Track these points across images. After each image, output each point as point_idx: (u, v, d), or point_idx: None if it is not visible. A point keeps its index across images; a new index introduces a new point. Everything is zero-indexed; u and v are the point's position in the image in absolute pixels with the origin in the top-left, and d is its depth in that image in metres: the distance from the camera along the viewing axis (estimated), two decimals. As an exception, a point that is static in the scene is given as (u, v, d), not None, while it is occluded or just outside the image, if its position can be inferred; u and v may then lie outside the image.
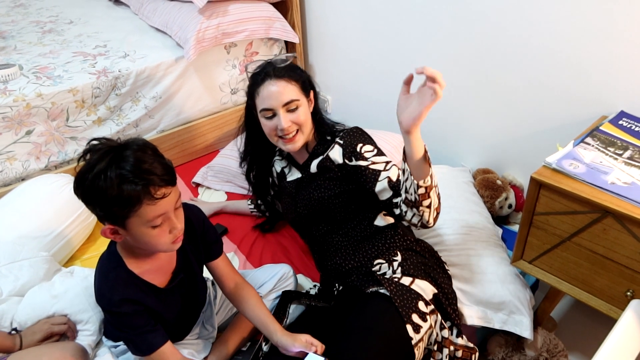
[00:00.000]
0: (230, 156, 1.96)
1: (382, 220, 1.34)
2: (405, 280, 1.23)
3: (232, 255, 1.65)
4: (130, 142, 0.99)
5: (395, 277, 1.24)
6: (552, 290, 1.40)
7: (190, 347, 1.30)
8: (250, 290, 1.26)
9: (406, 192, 1.13)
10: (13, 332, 1.25)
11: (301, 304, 1.36)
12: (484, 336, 1.48)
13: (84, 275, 1.39)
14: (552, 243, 1.24)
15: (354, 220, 1.33)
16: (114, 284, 1.07)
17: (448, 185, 1.65)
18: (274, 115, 1.30)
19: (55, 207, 1.61)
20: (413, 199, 1.11)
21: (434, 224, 1.17)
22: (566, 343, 1.43)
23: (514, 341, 1.42)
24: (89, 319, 1.27)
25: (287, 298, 1.35)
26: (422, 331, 1.15)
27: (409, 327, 1.13)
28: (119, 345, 1.25)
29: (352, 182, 1.30)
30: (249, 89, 1.35)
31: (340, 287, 1.35)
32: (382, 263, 1.29)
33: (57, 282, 1.37)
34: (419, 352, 1.13)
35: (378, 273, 1.27)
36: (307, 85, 1.35)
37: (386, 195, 1.21)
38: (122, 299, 1.06)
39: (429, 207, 1.12)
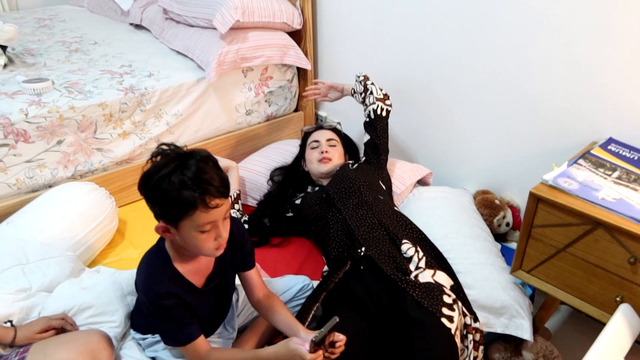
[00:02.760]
0: (246, 168, 2.08)
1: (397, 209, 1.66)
2: (428, 273, 1.38)
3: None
4: (194, 152, 1.08)
5: (420, 268, 1.39)
6: (548, 300, 1.50)
7: (212, 345, 1.38)
8: (277, 300, 1.34)
9: (362, 96, 1.90)
10: (7, 324, 1.28)
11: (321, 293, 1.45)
12: (485, 345, 1.57)
13: (110, 273, 1.48)
14: (548, 253, 1.36)
15: (376, 199, 1.61)
16: (161, 278, 1.16)
17: (450, 204, 1.77)
18: (318, 146, 1.88)
19: (80, 212, 1.70)
20: (363, 96, 1.89)
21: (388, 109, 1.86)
22: (560, 353, 1.52)
23: (512, 348, 1.52)
24: (115, 311, 1.36)
25: (310, 301, 1.43)
26: (456, 320, 1.27)
27: (444, 320, 1.25)
28: (146, 338, 1.33)
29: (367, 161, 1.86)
30: (304, 136, 2.01)
31: (367, 251, 1.44)
32: (409, 246, 1.45)
33: (85, 277, 1.46)
34: (458, 341, 1.26)
35: (405, 256, 1.43)
36: (346, 144, 1.99)
37: (368, 133, 1.88)
38: (167, 293, 1.14)
39: (376, 98, 1.86)
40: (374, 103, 1.85)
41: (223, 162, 1.91)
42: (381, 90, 1.88)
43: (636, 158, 1.45)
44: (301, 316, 1.39)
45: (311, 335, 1.11)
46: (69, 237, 1.63)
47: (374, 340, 1.30)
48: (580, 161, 1.43)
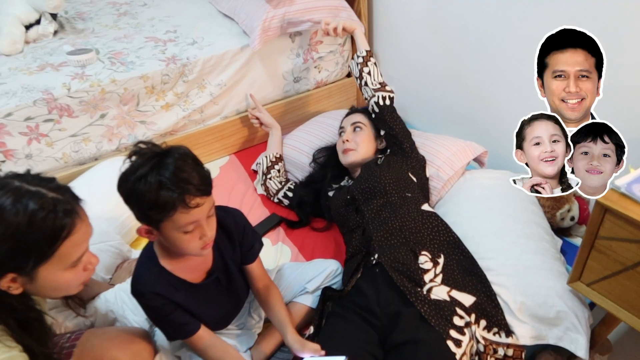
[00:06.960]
0: (290, 146, 1.99)
1: (427, 207, 1.51)
2: (443, 289, 1.27)
3: (280, 245, 1.71)
4: (172, 150, 1.03)
5: (434, 284, 1.28)
6: (609, 317, 1.34)
7: (233, 339, 1.37)
8: (276, 293, 1.33)
9: (358, 82, 1.79)
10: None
11: (337, 298, 1.40)
12: (532, 352, 1.45)
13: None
14: (613, 269, 1.18)
15: (403, 198, 1.48)
16: (146, 278, 1.15)
17: (505, 194, 1.59)
18: (343, 132, 1.77)
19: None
20: (359, 82, 1.77)
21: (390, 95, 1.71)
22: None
23: (563, 359, 1.39)
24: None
25: (325, 296, 1.40)
26: (464, 345, 1.17)
27: (449, 343, 1.16)
28: None
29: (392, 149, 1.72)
30: (341, 124, 1.84)
31: (379, 259, 1.35)
32: (427, 258, 1.33)
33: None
34: None
35: (421, 267, 1.31)
36: (376, 126, 1.76)
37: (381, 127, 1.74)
38: (151, 292, 1.13)
39: (373, 90, 1.72)
40: (373, 96, 1.71)
41: (267, 119, 2.03)
42: (379, 76, 1.74)
43: None
44: (317, 317, 1.35)
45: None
46: (114, 218, 1.64)
47: (381, 351, 1.23)
48: (665, 162, 1.21)
